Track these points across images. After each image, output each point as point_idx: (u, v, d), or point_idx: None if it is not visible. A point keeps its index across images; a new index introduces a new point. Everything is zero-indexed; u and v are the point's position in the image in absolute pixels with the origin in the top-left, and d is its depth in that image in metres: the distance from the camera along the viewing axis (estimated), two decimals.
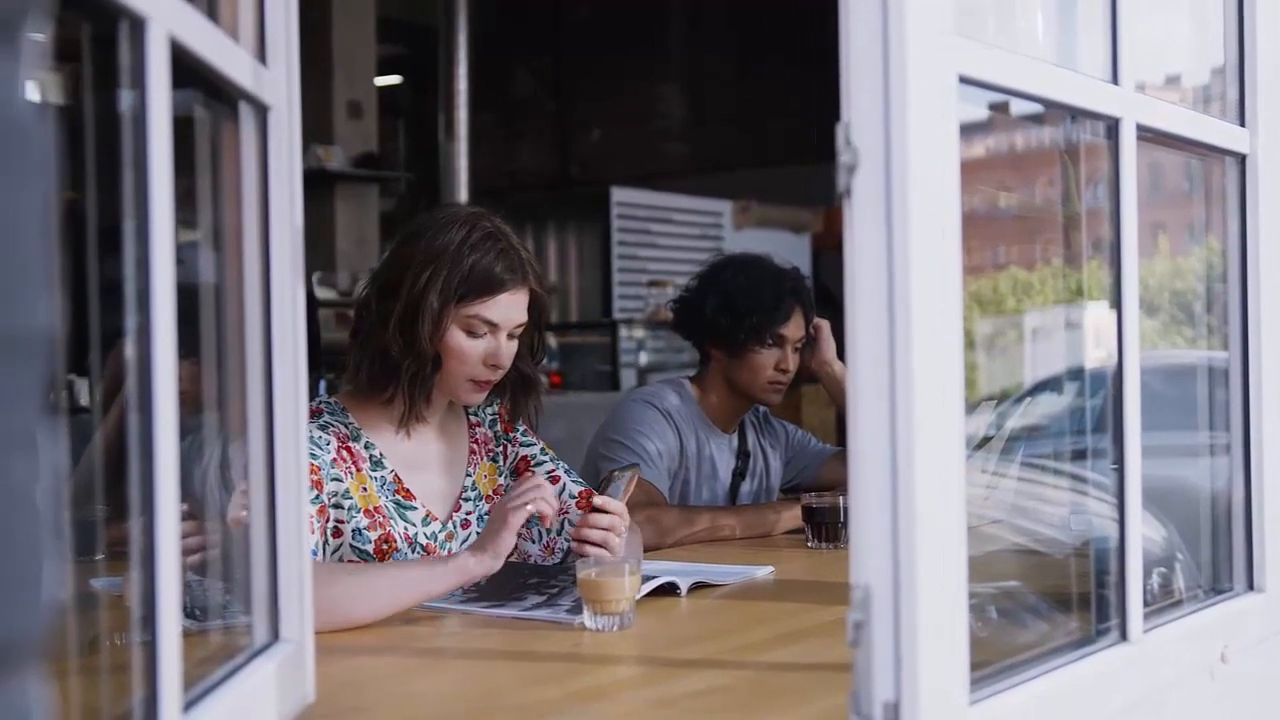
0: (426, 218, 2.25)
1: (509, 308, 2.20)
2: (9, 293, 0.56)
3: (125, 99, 0.99)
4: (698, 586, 2.18)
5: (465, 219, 2.20)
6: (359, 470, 2.19)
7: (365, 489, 2.18)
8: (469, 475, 2.34)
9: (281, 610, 1.38)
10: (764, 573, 2.35)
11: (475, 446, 2.37)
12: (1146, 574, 1.62)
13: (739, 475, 3.13)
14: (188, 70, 1.09)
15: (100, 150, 1.01)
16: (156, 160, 1.00)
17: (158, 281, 1.00)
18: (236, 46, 1.25)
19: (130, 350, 0.99)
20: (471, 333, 2.19)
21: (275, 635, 1.37)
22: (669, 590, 2.12)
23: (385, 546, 2.16)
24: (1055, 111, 1.64)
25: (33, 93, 0.61)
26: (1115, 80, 1.52)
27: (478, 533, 2.28)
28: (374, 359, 2.20)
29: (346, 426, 2.21)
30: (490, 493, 2.35)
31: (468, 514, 2.31)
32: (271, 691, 1.30)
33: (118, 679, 1.22)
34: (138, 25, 0.98)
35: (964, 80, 1.25)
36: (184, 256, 1.06)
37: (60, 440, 0.64)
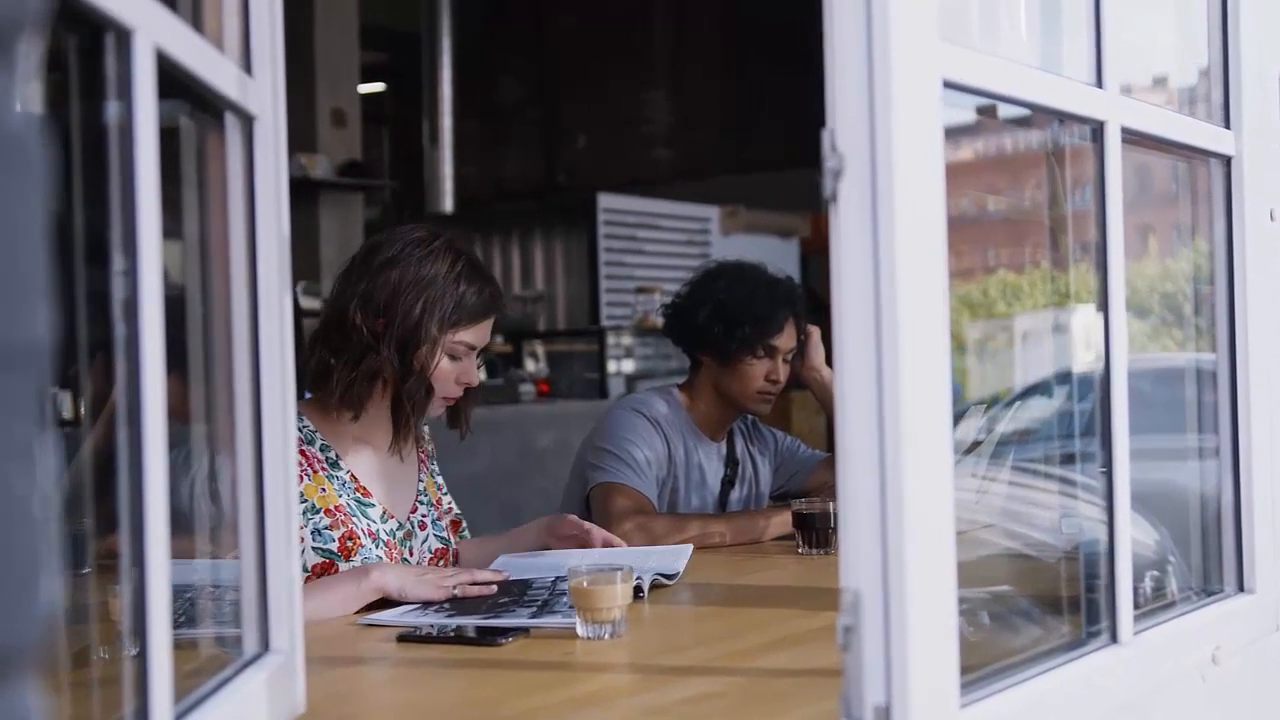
0: (398, 240, 2.30)
1: (488, 332, 2.34)
2: (9, 304, 0.56)
3: (111, 109, 0.99)
4: (659, 585, 2.21)
5: (445, 248, 2.29)
6: (316, 472, 2.25)
7: (324, 489, 2.24)
8: (420, 481, 2.45)
9: (271, 621, 1.37)
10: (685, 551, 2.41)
11: (424, 457, 2.48)
12: (1139, 577, 1.62)
13: (728, 483, 3.12)
14: (172, 80, 1.09)
15: (85, 160, 1.01)
16: (143, 171, 0.99)
17: (145, 292, 0.99)
18: (222, 57, 1.25)
19: (119, 362, 0.99)
20: (453, 356, 2.29)
21: (265, 646, 1.37)
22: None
23: (350, 544, 2.23)
24: (1042, 115, 1.65)
25: (28, 105, 0.61)
26: (1100, 83, 1.53)
27: (434, 535, 2.41)
28: (365, 380, 2.26)
29: (300, 431, 2.25)
30: (434, 501, 2.46)
31: (423, 517, 2.42)
32: (262, 702, 1.30)
33: (103, 692, 1.22)
34: (124, 36, 0.98)
35: (948, 85, 1.26)
36: (169, 268, 1.06)
37: (55, 451, 0.64)
